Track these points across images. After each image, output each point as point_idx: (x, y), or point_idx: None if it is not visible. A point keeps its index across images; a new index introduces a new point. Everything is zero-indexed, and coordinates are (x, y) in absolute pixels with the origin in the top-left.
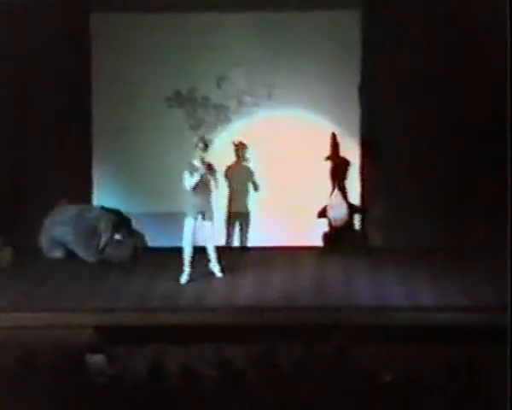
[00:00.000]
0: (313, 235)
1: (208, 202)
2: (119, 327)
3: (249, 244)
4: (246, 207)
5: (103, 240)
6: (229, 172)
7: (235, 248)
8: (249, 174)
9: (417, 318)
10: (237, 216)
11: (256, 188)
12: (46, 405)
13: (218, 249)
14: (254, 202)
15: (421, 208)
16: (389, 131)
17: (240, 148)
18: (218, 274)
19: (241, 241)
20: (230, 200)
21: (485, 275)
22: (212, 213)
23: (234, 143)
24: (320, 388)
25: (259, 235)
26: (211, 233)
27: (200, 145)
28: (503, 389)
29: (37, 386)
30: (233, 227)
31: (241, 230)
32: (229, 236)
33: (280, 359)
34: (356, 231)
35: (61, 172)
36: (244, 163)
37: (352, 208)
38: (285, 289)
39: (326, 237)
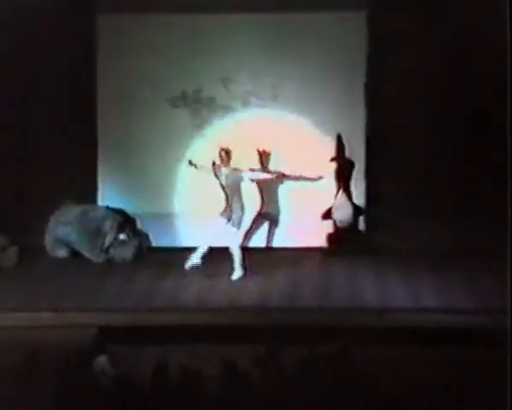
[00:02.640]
0: (316, 236)
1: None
2: (123, 327)
3: (252, 245)
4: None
5: (108, 240)
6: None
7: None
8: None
9: (421, 320)
10: (267, 216)
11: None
12: (49, 405)
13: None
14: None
15: (426, 210)
16: (395, 132)
17: (263, 156)
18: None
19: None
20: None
21: (489, 277)
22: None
23: (258, 151)
24: (323, 389)
25: (261, 235)
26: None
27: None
28: (506, 390)
29: (41, 386)
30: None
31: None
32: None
33: (283, 360)
34: (360, 232)
35: (66, 172)
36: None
37: (356, 210)
38: (288, 290)
39: (330, 238)
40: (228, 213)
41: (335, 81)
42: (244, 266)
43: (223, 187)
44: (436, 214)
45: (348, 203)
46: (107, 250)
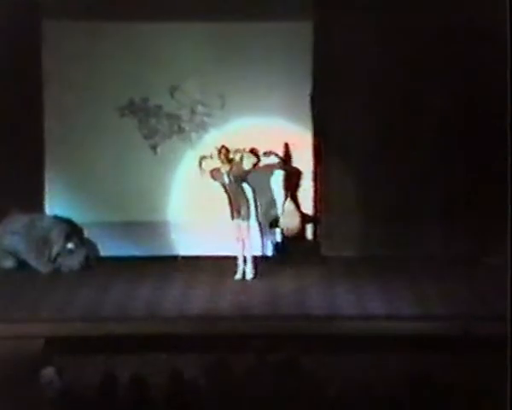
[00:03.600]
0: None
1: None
2: (71, 337)
3: (198, 253)
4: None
5: (55, 249)
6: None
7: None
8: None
9: (368, 327)
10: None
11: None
12: None
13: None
14: (205, 210)
15: (373, 218)
16: (341, 140)
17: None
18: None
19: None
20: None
21: (434, 284)
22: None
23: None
24: (271, 398)
25: (211, 244)
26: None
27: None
28: (453, 397)
29: None
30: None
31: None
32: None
33: (232, 369)
34: (308, 240)
35: (13, 181)
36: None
37: (304, 218)
38: (237, 298)
39: (278, 246)
40: (235, 211)
41: (282, 89)
42: (255, 267)
43: (225, 188)
44: (383, 222)
45: (296, 212)
46: (54, 260)
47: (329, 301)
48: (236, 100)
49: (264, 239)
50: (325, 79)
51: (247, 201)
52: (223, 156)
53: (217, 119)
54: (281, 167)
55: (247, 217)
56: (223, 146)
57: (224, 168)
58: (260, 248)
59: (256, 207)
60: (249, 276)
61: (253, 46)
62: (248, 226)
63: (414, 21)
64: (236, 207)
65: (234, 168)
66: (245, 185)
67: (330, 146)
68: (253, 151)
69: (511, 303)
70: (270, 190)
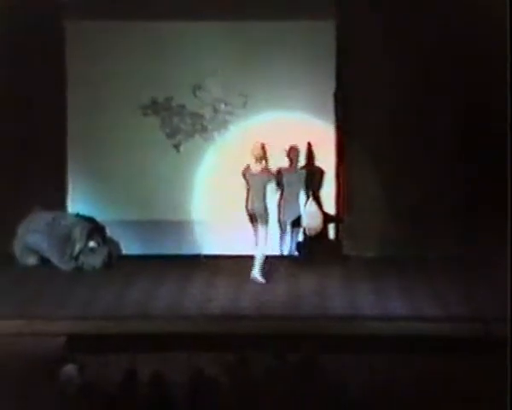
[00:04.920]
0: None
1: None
2: (92, 335)
3: (220, 252)
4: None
5: (77, 247)
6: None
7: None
8: (301, 179)
9: (389, 327)
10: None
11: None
12: None
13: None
14: (227, 209)
15: (395, 218)
16: (364, 139)
17: (291, 152)
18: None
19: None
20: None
21: (456, 285)
22: (266, 217)
23: (285, 149)
24: (291, 398)
25: (234, 243)
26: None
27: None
28: (474, 397)
29: (8, 394)
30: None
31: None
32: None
33: (252, 368)
34: (330, 240)
35: (36, 179)
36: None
37: (326, 217)
38: (258, 298)
39: (300, 246)
40: (250, 213)
41: (305, 88)
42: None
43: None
44: (404, 223)
45: (318, 211)
46: (76, 258)
47: (350, 301)
48: (259, 99)
49: (286, 239)
50: (348, 77)
51: (266, 203)
52: (256, 153)
53: (239, 117)
54: (303, 167)
55: (266, 221)
56: (259, 143)
57: (254, 167)
58: (282, 248)
59: (279, 206)
60: (256, 275)
61: (276, 45)
62: (266, 229)
63: (436, 21)
64: (252, 207)
65: (262, 168)
66: (270, 186)
67: (353, 145)
68: (293, 147)
69: (511, 303)
70: (293, 189)
